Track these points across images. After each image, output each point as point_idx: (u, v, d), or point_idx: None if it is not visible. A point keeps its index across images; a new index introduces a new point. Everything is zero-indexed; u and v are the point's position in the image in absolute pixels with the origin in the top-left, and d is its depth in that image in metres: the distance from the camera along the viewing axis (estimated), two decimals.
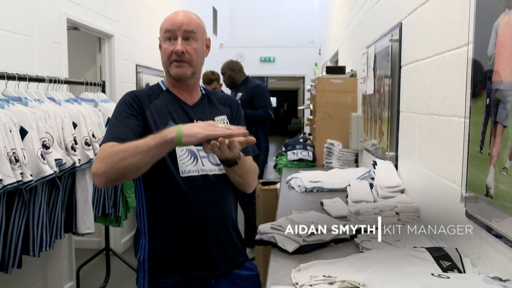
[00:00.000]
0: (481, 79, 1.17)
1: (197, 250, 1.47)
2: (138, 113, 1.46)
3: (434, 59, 1.66)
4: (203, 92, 1.64)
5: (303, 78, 11.24)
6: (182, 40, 1.46)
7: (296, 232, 1.62)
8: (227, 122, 1.56)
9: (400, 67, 2.15)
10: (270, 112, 4.27)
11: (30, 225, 2.16)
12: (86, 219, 2.58)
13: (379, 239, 1.60)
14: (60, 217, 2.40)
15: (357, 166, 3.46)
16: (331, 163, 3.51)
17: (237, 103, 1.70)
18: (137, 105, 1.47)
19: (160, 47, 1.53)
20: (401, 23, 2.13)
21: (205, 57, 1.59)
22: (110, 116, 1.54)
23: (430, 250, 1.33)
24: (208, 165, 1.49)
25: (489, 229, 1.17)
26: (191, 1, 7.57)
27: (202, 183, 1.47)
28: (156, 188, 1.46)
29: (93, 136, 2.66)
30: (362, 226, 1.78)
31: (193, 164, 1.47)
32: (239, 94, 4.33)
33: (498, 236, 1.11)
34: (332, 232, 1.67)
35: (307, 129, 6.38)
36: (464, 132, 1.30)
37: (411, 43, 2.01)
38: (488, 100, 1.12)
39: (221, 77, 4.54)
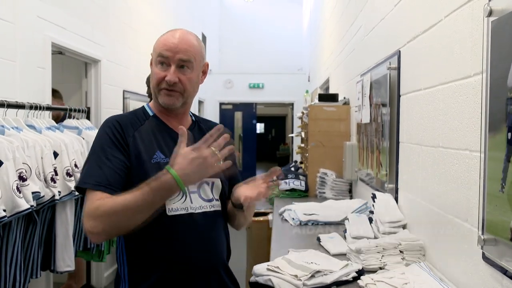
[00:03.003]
0: (500, 111, 1.07)
1: None
2: (122, 144, 1.30)
3: (439, 88, 1.58)
4: (193, 119, 1.52)
5: (291, 104, 11.24)
6: (175, 68, 1.33)
7: (295, 275, 1.50)
8: None
9: (399, 96, 2.07)
10: None
11: (2, 265, 1.97)
12: (66, 256, 2.40)
13: (385, 282, 1.49)
14: (37, 255, 2.22)
15: (351, 197, 3.35)
16: (324, 193, 3.40)
17: (229, 134, 1.54)
18: (119, 134, 1.31)
19: (151, 64, 1.40)
20: (400, 51, 2.07)
21: (200, 84, 1.46)
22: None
23: None
24: (198, 202, 1.35)
25: None
26: (180, 27, 7.54)
27: (190, 222, 1.32)
28: (138, 228, 1.22)
29: (76, 166, 2.51)
30: (364, 266, 1.66)
31: (181, 201, 1.33)
32: None
33: None
34: (334, 274, 1.54)
35: (297, 157, 6.28)
36: (479, 168, 1.20)
37: (411, 71, 1.93)
38: (510, 134, 1.02)
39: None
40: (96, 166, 1.25)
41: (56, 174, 2.31)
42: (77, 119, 3.03)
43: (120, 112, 4.40)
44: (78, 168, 2.51)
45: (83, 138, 2.78)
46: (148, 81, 3.50)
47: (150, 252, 1.31)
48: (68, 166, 2.44)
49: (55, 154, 2.38)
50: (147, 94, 3.52)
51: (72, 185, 2.42)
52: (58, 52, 3.26)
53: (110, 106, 4.12)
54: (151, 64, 1.40)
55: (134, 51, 4.82)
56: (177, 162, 1.15)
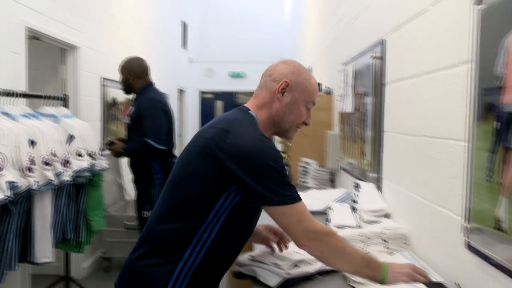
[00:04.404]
0: (488, 101, 1.07)
1: None
2: None
3: (424, 78, 1.58)
4: None
5: None
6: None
7: (278, 264, 1.49)
8: None
9: (383, 85, 2.07)
10: (150, 141, 3.12)
11: None
12: (44, 247, 2.34)
13: None
14: (14, 246, 2.15)
15: (333, 186, 3.36)
16: (306, 182, 3.41)
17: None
18: None
19: (282, 93, 1.41)
20: (384, 40, 2.06)
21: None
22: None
23: (430, 285, 1.22)
24: None
25: (497, 265, 1.06)
26: (161, 14, 7.41)
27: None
28: (233, 231, 1.36)
29: (53, 154, 2.44)
30: None
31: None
32: (131, 109, 3.36)
33: (510, 273, 1.00)
34: (317, 263, 1.54)
35: (279, 146, 6.27)
36: (465, 157, 1.20)
37: (395, 60, 1.93)
38: (497, 123, 1.02)
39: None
40: (289, 183, 1.30)
41: (33, 163, 2.24)
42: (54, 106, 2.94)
43: (99, 99, 4.29)
44: (55, 157, 2.44)
45: (61, 126, 2.70)
46: (124, 69, 3.39)
47: (225, 259, 1.41)
48: (45, 155, 2.37)
49: (31, 143, 2.30)
50: (120, 82, 3.41)
51: (49, 174, 2.35)
52: (34, 37, 3.15)
53: (88, 94, 4.02)
54: (280, 91, 1.41)
55: (114, 38, 4.70)
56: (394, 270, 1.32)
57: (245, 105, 1.47)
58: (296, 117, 1.43)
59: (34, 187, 2.20)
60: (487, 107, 1.07)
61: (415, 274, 1.30)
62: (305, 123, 1.48)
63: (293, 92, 1.40)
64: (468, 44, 1.19)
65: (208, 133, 1.33)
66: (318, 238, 1.28)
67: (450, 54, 1.36)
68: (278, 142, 5.32)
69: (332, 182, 3.43)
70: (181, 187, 1.33)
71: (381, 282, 1.29)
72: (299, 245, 1.31)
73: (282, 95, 1.40)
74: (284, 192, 1.26)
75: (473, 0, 1.14)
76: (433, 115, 1.49)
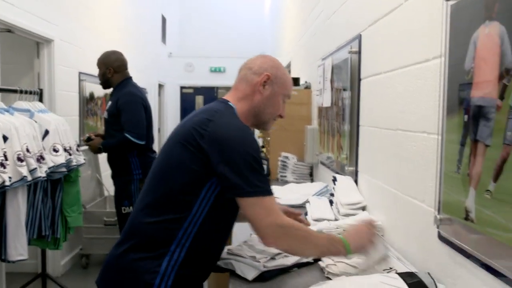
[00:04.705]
0: (457, 94, 1.09)
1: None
2: None
3: (398, 72, 1.60)
4: None
5: None
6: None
7: (255, 257, 1.50)
8: None
9: (359, 79, 2.09)
10: (128, 136, 3.08)
11: None
12: (18, 244, 2.30)
13: (345, 262, 1.51)
14: None
15: (312, 180, 3.39)
16: (285, 176, 3.43)
17: None
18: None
19: (263, 86, 1.45)
20: (361, 35, 2.08)
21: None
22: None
23: (403, 276, 1.24)
24: None
25: (467, 254, 1.09)
26: (139, 8, 7.31)
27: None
28: (217, 223, 1.37)
29: (28, 150, 2.39)
30: None
31: None
32: (109, 104, 3.30)
33: (479, 262, 1.03)
34: (294, 256, 1.55)
35: (259, 141, 6.28)
36: (437, 150, 1.23)
37: (371, 55, 1.95)
38: (466, 116, 1.05)
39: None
40: (264, 177, 1.31)
41: (6, 159, 2.19)
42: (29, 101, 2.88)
43: (76, 94, 4.23)
44: (30, 153, 2.39)
45: (36, 121, 2.64)
46: (101, 63, 3.34)
47: (211, 251, 1.41)
48: (19, 151, 2.32)
49: (5, 138, 2.25)
50: (98, 76, 3.37)
51: (23, 170, 2.30)
52: (7, 30, 3.07)
53: (64, 89, 3.94)
54: (262, 84, 1.44)
55: (91, 31, 4.62)
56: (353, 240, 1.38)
57: (224, 97, 1.48)
58: (275, 109, 1.48)
59: (7, 184, 2.16)
60: (457, 101, 1.10)
61: (371, 230, 1.43)
62: (281, 116, 1.52)
63: (273, 86, 1.45)
64: (441, 39, 1.21)
65: (190, 123, 1.35)
66: (285, 232, 1.29)
67: (423, 48, 1.38)
68: (258, 137, 5.33)
69: (311, 176, 3.46)
70: (164, 179, 1.34)
71: (348, 253, 1.35)
72: (266, 242, 1.31)
73: (263, 88, 1.44)
74: (258, 183, 1.26)
75: None
76: (407, 109, 1.52)
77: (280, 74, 1.48)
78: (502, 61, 0.90)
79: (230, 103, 1.44)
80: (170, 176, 1.33)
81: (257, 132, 5.17)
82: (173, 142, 1.37)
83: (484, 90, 0.97)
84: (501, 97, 0.90)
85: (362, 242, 1.39)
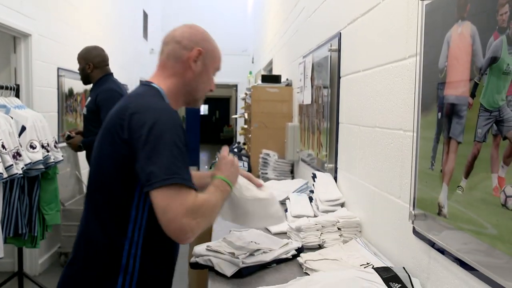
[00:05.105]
0: (432, 92, 1.12)
1: None
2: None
3: (376, 70, 1.62)
4: None
5: (235, 86, 11.19)
6: None
7: (234, 254, 1.50)
8: None
9: (339, 77, 2.11)
10: None
11: None
12: None
13: (323, 258, 1.53)
14: None
15: (293, 177, 3.41)
16: (266, 173, 3.44)
17: None
18: (184, 136, 1.22)
19: (193, 60, 1.32)
20: (340, 33, 2.10)
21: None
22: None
23: (379, 271, 1.26)
24: None
25: (440, 249, 1.11)
26: (121, 3, 7.21)
27: None
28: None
29: (3, 147, 2.34)
30: (304, 244, 1.70)
31: None
32: (88, 100, 3.26)
33: (451, 256, 1.05)
34: (273, 252, 1.56)
35: (240, 138, 6.29)
36: (412, 147, 1.25)
37: (351, 53, 1.97)
38: (439, 114, 1.07)
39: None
40: (182, 161, 1.13)
41: None
42: (5, 97, 2.82)
43: (55, 90, 4.15)
44: (5, 150, 2.34)
45: (12, 117, 2.59)
46: (81, 58, 3.29)
47: (166, 251, 1.31)
48: None
49: None
50: (78, 71, 3.31)
51: None
52: None
53: (42, 84, 3.87)
54: (194, 60, 1.32)
55: (71, 26, 4.54)
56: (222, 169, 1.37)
57: (149, 79, 1.36)
58: (207, 85, 1.39)
59: None
60: (431, 98, 1.12)
61: (229, 159, 1.41)
62: (211, 90, 1.42)
63: (205, 60, 1.35)
64: (416, 37, 1.23)
65: (110, 117, 1.26)
66: (195, 217, 1.12)
67: (400, 47, 1.40)
68: (239, 134, 5.32)
69: (292, 173, 3.48)
70: (99, 182, 1.24)
71: (231, 187, 1.35)
72: (182, 239, 1.12)
73: (195, 63, 1.33)
74: (177, 170, 1.11)
75: None
76: (385, 107, 1.54)
77: (211, 47, 1.38)
78: (474, 60, 0.92)
79: (153, 85, 1.31)
80: (104, 176, 1.22)
81: (239, 129, 5.17)
82: (100, 141, 1.26)
83: (457, 88, 0.99)
84: (473, 95, 0.92)
85: (232, 171, 1.39)
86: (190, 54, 1.32)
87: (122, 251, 1.20)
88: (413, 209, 1.23)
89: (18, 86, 3.10)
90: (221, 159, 1.42)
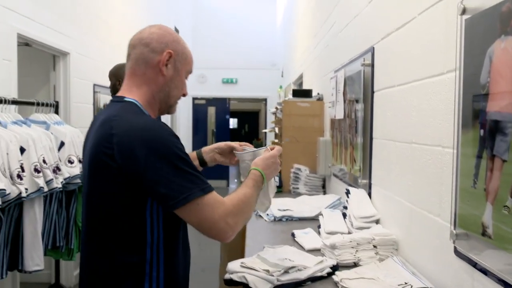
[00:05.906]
0: (473, 108, 1.09)
1: None
2: None
3: (413, 85, 1.60)
4: None
5: (265, 99, 11.24)
6: None
7: (269, 271, 1.49)
8: None
9: (373, 92, 2.09)
10: None
11: None
12: (34, 255, 2.32)
13: (359, 277, 1.50)
14: (2, 255, 2.13)
15: (324, 192, 3.38)
16: (298, 188, 3.42)
17: None
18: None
19: (164, 64, 1.24)
20: (373, 48, 2.08)
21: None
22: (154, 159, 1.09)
23: None
24: None
25: (482, 269, 1.07)
26: (152, 20, 7.40)
27: None
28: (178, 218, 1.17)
29: (44, 161, 2.43)
30: (339, 261, 1.67)
31: None
32: None
33: (495, 277, 1.01)
34: (308, 270, 1.54)
35: None
36: (452, 164, 1.22)
37: (385, 68, 1.95)
38: (482, 131, 1.04)
39: None
40: (189, 170, 1.11)
41: (23, 171, 2.23)
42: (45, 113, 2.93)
43: (91, 106, 4.29)
44: (46, 164, 2.43)
45: (52, 133, 2.69)
46: (112, 75, 3.38)
47: (183, 242, 1.29)
48: (36, 162, 2.36)
49: (22, 150, 2.29)
50: (110, 88, 3.40)
51: (40, 181, 2.34)
52: (25, 43, 3.14)
53: (79, 101, 4.00)
54: (164, 64, 1.24)
55: (105, 44, 4.70)
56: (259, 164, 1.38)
57: (118, 93, 1.27)
58: (180, 90, 1.31)
59: (24, 195, 2.19)
60: (473, 114, 1.09)
61: (277, 159, 1.43)
62: (184, 94, 1.34)
63: (176, 63, 1.27)
64: (455, 52, 1.21)
65: (93, 141, 1.16)
66: (231, 217, 1.14)
67: (438, 62, 1.38)
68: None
69: (323, 188, 3.44)
70: (102, 221, 1.15)
71: (263, 183, 1.36)
72: (224, 239, 1.15)
73: (166, 67, 1.24)
74: (190, 185, 1.09)
75: (458, 10, 1.16)
76: (422, 122, 1.51)
77: (181, 48, 1.28)
78: None
79: (127, 99, 1.21)
80: (105, 215, 1.14)
81: (269, 143, 5.16)
82: (88, 172, 1.19)
83: (501, 104, 0.96)
84: None
85: (274, 169, 1.41)
86: (161, 58, 1.23)
87: (144, 276, 1.15)
88: (455, 229, 1.19)
89: (57, 102, 3.22)
90: (269, 157, 1.42)
